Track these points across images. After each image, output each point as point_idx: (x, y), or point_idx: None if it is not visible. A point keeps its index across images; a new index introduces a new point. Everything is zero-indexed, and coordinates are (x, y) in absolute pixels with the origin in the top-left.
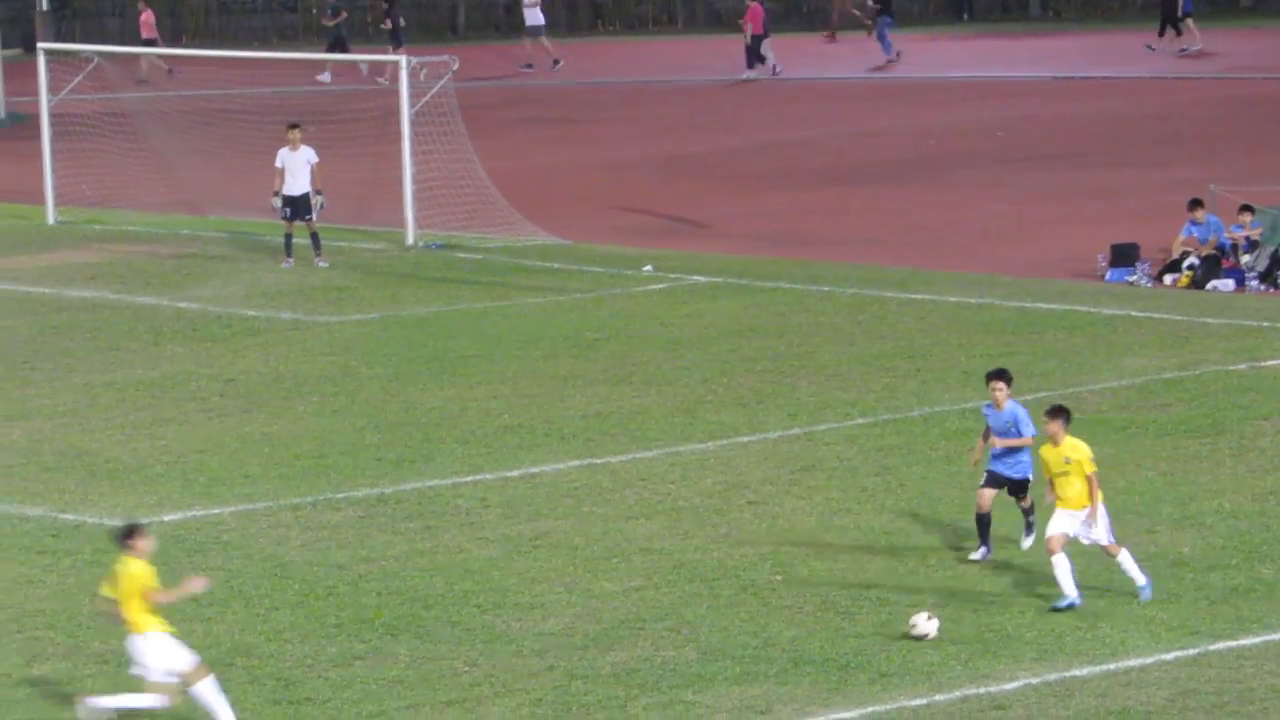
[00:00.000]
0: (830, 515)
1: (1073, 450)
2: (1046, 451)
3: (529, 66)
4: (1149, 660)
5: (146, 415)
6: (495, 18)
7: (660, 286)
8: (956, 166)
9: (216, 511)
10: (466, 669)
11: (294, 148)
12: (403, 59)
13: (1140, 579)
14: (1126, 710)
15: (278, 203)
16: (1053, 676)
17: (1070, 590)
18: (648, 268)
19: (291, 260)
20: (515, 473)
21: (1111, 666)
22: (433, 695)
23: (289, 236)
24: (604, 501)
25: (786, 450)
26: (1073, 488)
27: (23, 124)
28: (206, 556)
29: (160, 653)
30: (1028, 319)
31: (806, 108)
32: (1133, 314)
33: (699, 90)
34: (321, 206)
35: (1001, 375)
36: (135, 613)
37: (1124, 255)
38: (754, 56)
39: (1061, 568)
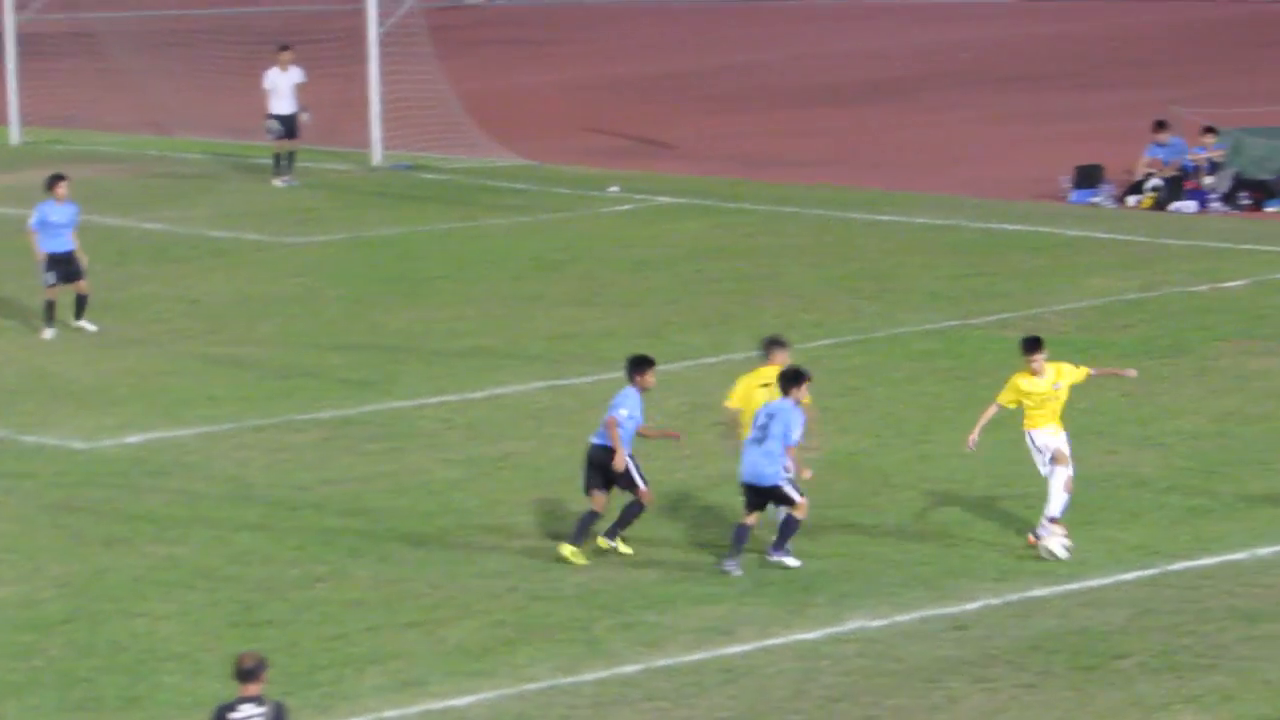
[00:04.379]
0: None
1: (1060, 374)
2: (1028, 383)
3: None
4: (1108, 580)
5: (110, 336)
6: None
7: (626, 208)
8: (923, 88)
9: (180, 433)
10: (428, 590)
11: (284, 69)
12: None
13: (1053, 509)
14: (1086, 630)
15: (274, 125)
16: (1013, 597)
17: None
18: (614, 188)
19: (289, 178)
20: (479, 394)
21: (1071, 586)
22: (394, 617)
23: (278, 156)
24: (568, 423)
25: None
26: (1054, 411)
27: None
28: (169, 478)
29: None
30: (992, 240)
31: (774, 29)
32: (1096, 235)
33: (667, 11)
34: (308, 120)
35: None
36: None
37: (1088, 176)
38: None
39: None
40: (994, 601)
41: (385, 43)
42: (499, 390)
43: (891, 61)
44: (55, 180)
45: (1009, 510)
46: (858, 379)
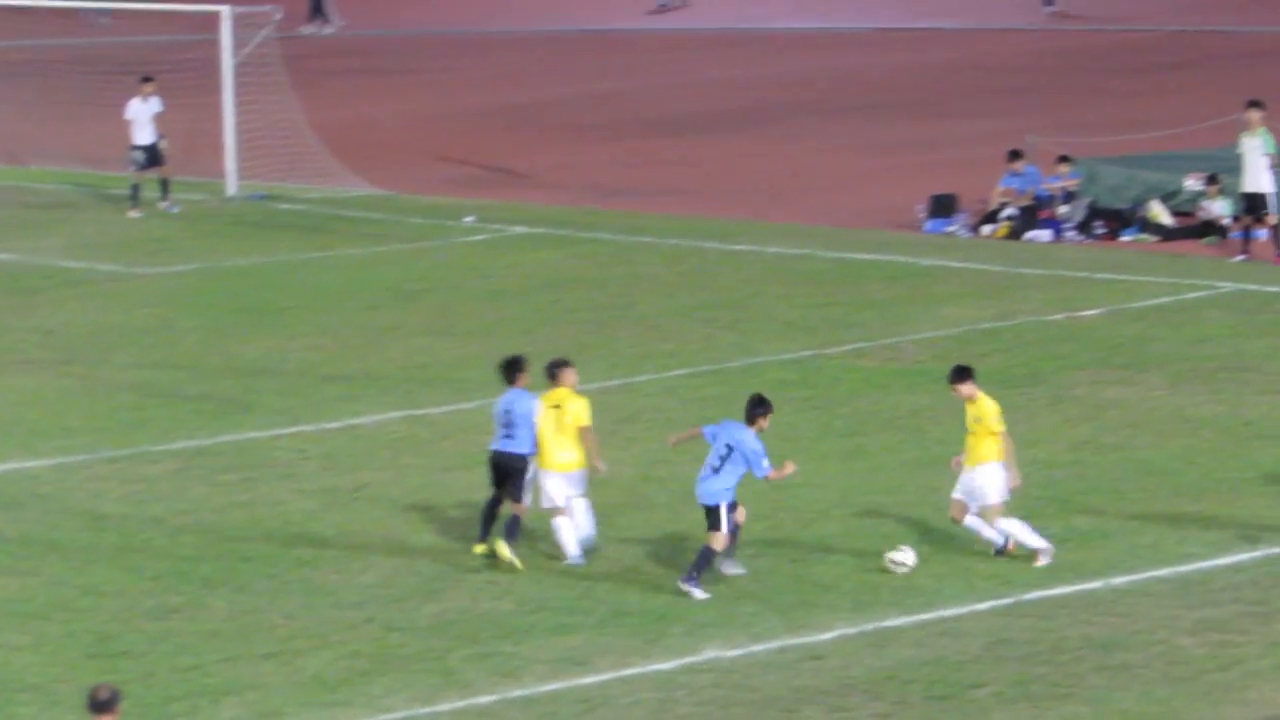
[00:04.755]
0: (649, 466)
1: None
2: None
3: None
4: (964, 610)
5: None
6: None
7: (482, 237)
8: (778, 117)
9: (34, 464)
10: (284, 621)
11: (144, 99)
12: (225, 9)
13: (997, 540)
14: (942, 659)
15: (139, 156)
16: (869, 626)
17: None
18: (469, 218)
19: (140, 210)
20: (335, 424)
21: (927, 616)
22: (250, 648)
23: (137, 186)
24: (423, 453)
25: (606, 401)
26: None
27: None
28: (23, 510)
29: None
30: (847, 269)
31: (627, 59)
32: (951, 264)
33: (520, 41)
34: (165, 149)
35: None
36: None
37: (943, 206)
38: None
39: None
40: (850, 631)
41: (240, 73)
42: (355, 420)
43: (746, 91)
44: None
45: (865, 540)
46: (713, 409)
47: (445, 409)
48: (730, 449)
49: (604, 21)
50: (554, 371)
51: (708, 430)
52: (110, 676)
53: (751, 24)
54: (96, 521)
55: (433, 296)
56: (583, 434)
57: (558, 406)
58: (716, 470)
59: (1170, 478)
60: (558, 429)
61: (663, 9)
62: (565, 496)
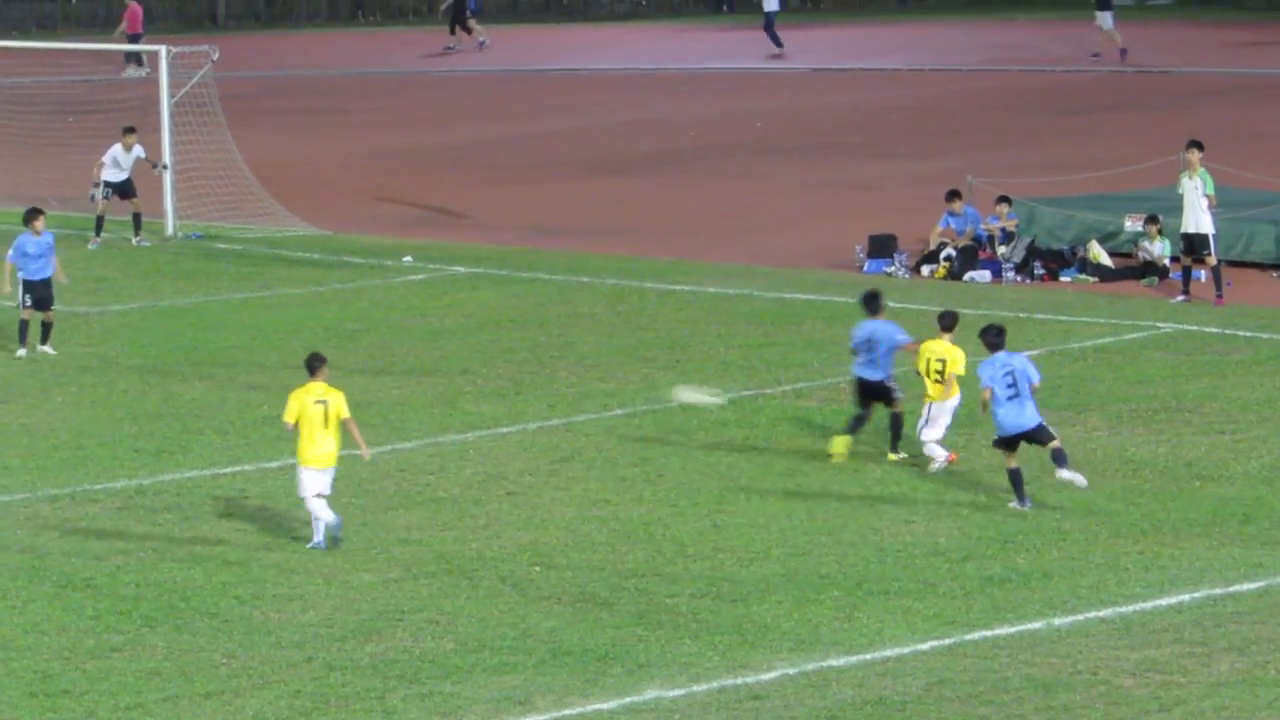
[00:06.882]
0: (589, 506)
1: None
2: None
3: None
4: (905, 650)
5: None
6: (256, 8)
7: (420, 277)
8: (716, 157)
9: None
10: (224, 661)
11: (128, 149)
12: (162, 49)
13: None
14: (883, 700)
15: (97, 193)
16: (810, 667)
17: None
18: (407, 258)
19: (141, 238)
20: (274, 464)
21: (868, 656)
22: (191, 687)
23: (101, 219)
24: (363, 492)
25: (545, 441)
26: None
27: None
28: None
29: None
30: (786, 309)
31: (564, 99)
32: (890, 305)
33: (455, 81)
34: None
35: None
36: None
37: (882, 246)
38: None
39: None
40: (790, 671)
41: (177, 113)
42: (293, 460)
43: (683, 131)
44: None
45: (804, 580)
46: (652, 449)
47: (385, 449)
48: (1012, 372)
49: (536, 62)
50: (313, 366)
51: (985, 371)
52: (51, 715)
53: (684, 64)
54: (37, 561)
55: (371, 336)
56: (347, 425)
57: (323, 401)
58: (1014, 397)
59: (1111, 518)
60: (324, 423)
61: (448, 51)
62: (318, 490)
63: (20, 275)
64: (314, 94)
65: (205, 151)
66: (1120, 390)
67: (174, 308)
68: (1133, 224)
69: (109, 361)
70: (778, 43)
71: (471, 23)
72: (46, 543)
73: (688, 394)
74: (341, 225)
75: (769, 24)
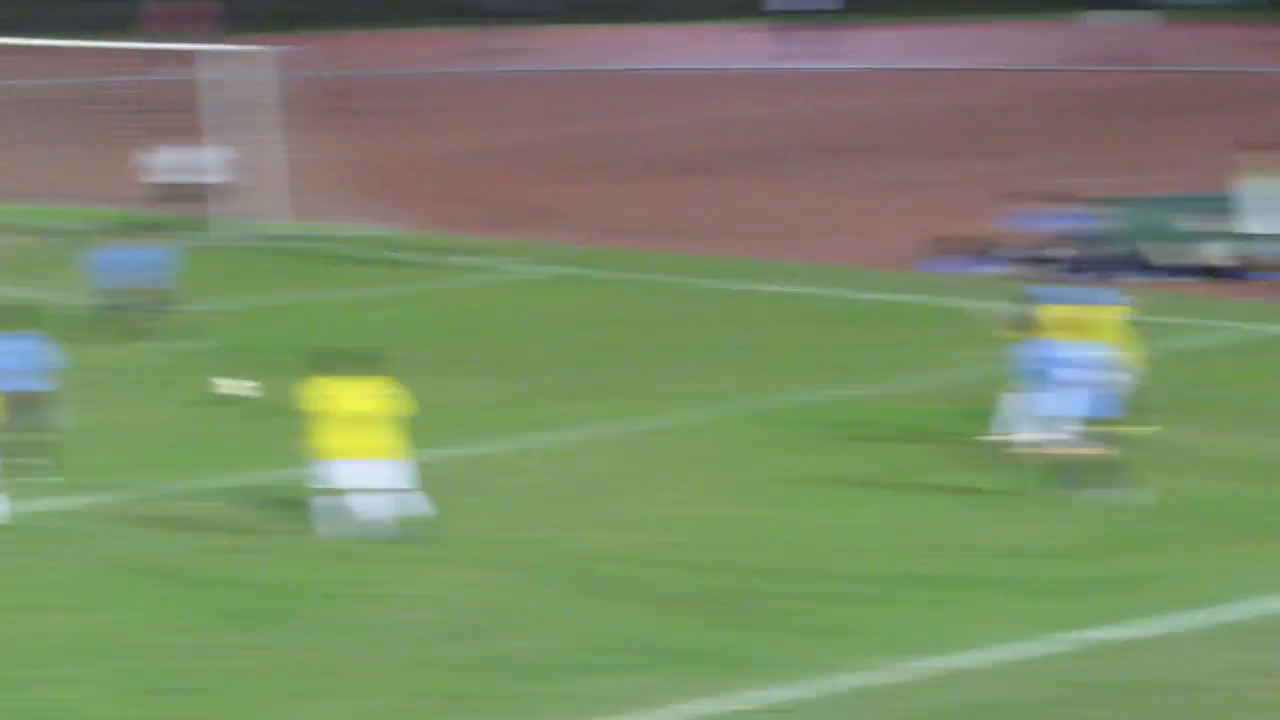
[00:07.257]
0: (685, 506)
1: None
2: None
3: None
4: (1032, 651)
5: None
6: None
7: (497, 277)
8: (779, 160)
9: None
10: (342, 659)
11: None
12: (267, 49)
13: None
14: (1016, 701)
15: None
16: (936, 665)
17: None
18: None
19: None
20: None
21: (992, 656)
22: (313, 686)
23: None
24: (478, 491)
25: (649, 443)
26: None
27: None
28: None
29: None
30: (883, 309)
31: (628, 98)
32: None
33: (525, 80)
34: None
35: None
36: None
37: (957, 246)
38: None
39: None
40: (920, 669)
41: (258, 112)
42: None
43: (751, 131)
44: None
45: (919, 579)
46: (743, 449)
47: (470, 449)
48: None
49: (597, 62)
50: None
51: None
52: (175, 714)
53: (746, 65)
54: (156, 558)
55: (458, 336)
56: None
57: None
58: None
59: (1230, 518)
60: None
61: None
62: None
63: None
64: (388, 94)
65: (292, 150)
66: (1232, 392)
67: (281, 304)
68: (1199, 225)
69: (218, 357)
70: None
71: None
72: (163, 540)
73: (226, 385)
74: (425, 223)
75: None
